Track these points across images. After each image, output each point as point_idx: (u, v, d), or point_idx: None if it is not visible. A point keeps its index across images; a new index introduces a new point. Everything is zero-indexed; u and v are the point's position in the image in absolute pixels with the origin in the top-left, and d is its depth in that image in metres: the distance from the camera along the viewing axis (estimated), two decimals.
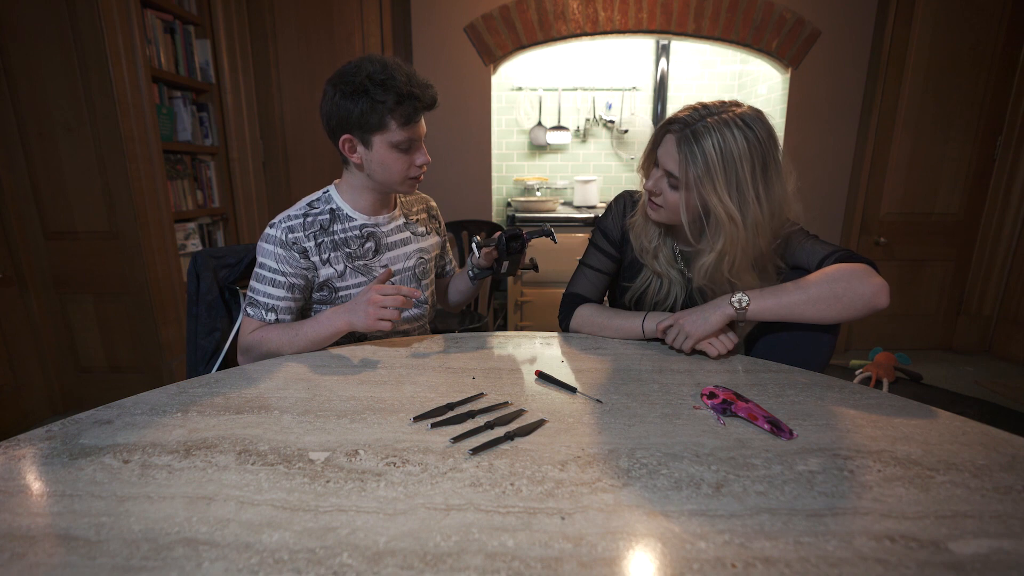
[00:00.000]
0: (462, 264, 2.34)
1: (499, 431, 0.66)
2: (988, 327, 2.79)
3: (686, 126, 0.86)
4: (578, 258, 1.15)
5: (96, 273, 1.98)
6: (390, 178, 1.01)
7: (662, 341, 0.97)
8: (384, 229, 1.09)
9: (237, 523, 0.48)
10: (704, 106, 0.87)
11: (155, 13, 2.03)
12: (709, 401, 0.72)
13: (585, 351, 0.97)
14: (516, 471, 0.57)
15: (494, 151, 2.84)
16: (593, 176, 3.21)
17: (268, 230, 1.00)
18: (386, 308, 0.92)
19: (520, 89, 3.25)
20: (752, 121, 0.84)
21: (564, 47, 2.92)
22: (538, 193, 3.31)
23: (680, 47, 3.15)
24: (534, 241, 1.10)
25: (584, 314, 1.07)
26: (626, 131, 3.29)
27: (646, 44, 3.18)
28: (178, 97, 2.19)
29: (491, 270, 1.13)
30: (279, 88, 2.51)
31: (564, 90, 3.24)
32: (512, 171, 3.40)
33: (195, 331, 1.14)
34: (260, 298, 1.00)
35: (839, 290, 0.84)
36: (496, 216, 3.11)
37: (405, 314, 1.11)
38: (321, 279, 1.03)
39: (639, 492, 0.53)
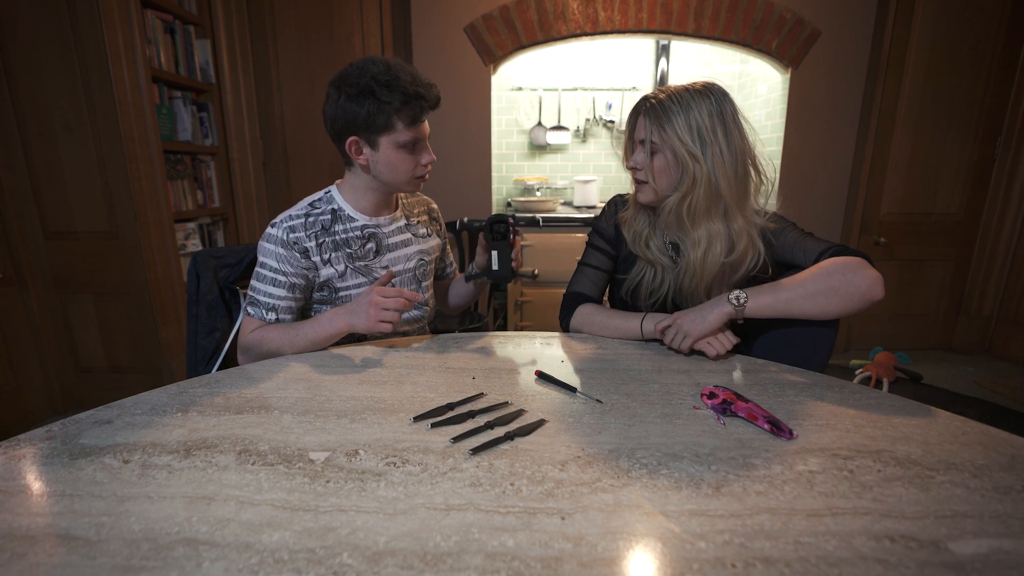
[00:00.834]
0: (462, 266, 2.34)
1: (499, 431, 0.66)
2: (988, 327, 2.79)
3: (651, 100, 0.97)
4: (577, 258, 1.17)
5: (96, 273, 1.98)
6: (397, 178, 1.01)
7: (661, 342, 0.98)
8: (385, 230, 1.09)
9: (237, 523, 0.48)
10: (669, 87, 0.99)
11: (155, 13, 2.03)
12: (709, 401, 0.72)
13: (585, 351, 0.97)
14: (516, 471, 0.57)
15: (494, 151, 2.84)
16: (593, 176, 3.21)
17: (269, 230, 1.00)
18: (387, 310, 0.92)
19: (520, 89, 3.24)
20: (710, 88, 0.96)
21: (564, 47, 2.92)
22: (538, 193, 3.30)
23: (680, 47, 3.15)
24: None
25: (584, 313, 1.08)
26: None
27: (646, 44, 3.17)
28: (178, 97, 2.19)
29: (489, 272, 1.12)
30: (279, 88, 2.51)
31: (564, 90, 3.24)
32: (512, 171, 3.40)
33: (195, 331, 1.14)
34: (261, 297, 1.00)
35: (835, 283, 0.85)
36: None
37: (405, 316, 1.11)
38: (322, 279, 1.03)
39: (639, 492, 0.53)
